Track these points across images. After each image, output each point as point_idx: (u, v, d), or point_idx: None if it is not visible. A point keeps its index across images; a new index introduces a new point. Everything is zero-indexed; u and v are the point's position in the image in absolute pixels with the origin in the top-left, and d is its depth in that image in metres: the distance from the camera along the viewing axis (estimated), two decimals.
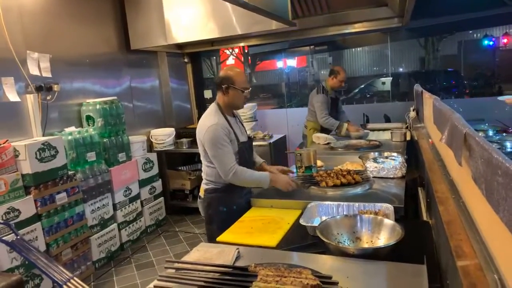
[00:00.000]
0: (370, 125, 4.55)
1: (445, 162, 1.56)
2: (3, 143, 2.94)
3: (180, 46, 5.42)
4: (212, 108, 2.35)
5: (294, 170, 2.59)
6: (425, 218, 1.96)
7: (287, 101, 7.33)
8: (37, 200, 3.04)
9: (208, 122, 2.24)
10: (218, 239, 1.68)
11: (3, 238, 1.04)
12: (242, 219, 1.92)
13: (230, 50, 8.00)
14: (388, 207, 1.69)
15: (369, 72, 10.57)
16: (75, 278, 0.93)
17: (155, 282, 1.21)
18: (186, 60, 5.84)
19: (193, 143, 5.01)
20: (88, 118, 3.90)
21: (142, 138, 4.51)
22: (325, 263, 1.32)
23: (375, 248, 1.38)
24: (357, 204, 1.79)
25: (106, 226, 3.80)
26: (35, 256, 1.02)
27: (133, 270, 3.63)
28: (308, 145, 4.49)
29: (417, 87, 3.52)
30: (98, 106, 3.85)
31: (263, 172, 2.31)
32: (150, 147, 4.93)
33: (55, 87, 3.56)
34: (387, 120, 4.79)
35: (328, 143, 3.63)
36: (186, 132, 5.20)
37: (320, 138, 3.77)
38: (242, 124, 2.52)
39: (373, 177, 2.30)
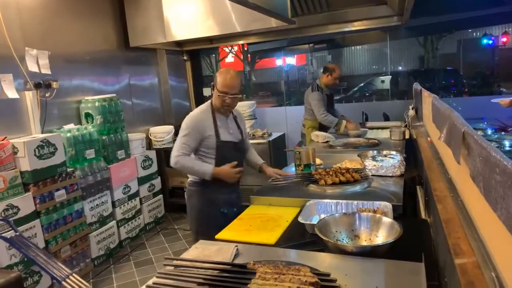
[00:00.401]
0: (369, 124, 4.55)
1: (443, 161, 1.57)
2: (2, 140, 2.94)
3: (179, 43, 5.42)
4: (206, 103, 2.48)
5: (293, 169, 2.59)
6: (423, 216, 1.96)
7: (286, 99, 7.33)
8: (36, 197, 3.04)
9: (191, 113, 2.43)
10: (216, 236, 1.68)
11: (2, 234, 1.04)
12: (241, 217, 1.92)
13: (230, 48, 8.00)
14: (386, 205, 1.70)
15: (369, 71, 10.57)
16: (74, 274, 0.93)
17: (154, 279, 1.22)
18: (185, 57, 5.83)
19: None
20: (87, 115, 3.90)
21: (141, 135, 4.51)
22: (323, 261, 1.32)
23: (374, 246, 1.38)
24: (355, 202, 1.79)
25: (105, 223, 3.80)
26: (34, 253, 1.02)
27: (132, 267, 3.64)
28: (307, 144, 4.50)
29: (416, 86, 3.52)
30: (97, 104, 3.84)
31: (208, 164, 2.37)
32: (149, 144, 4.93)
33: (54, 84, 3.55)
34: (386, 118, 4.79)
35: (327, 141, 3.63)
36: None
37: (319, 136, 3.77)
38: (239, 126, 2.54)
39: (371, 175, 2.31)
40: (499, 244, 0.75)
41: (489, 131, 2.55)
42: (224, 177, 2.34)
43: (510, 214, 0.61)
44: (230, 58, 8.85)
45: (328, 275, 1.11)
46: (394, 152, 2.63)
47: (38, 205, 3.06)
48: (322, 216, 1.71)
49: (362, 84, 8.86)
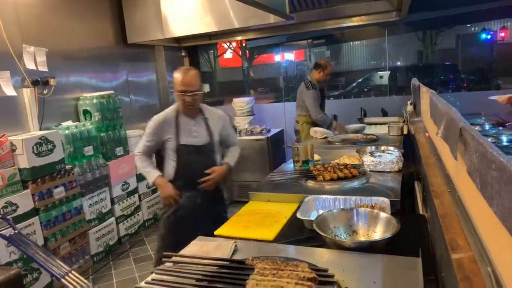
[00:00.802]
0: (367, 119, 4.56)
1: (441, 156, 1.57)
2: (0, 138, 2.93)
3: (177, 39, 5.40)
4: (173, 105, 2.48)
5: (292, 166, 2.60)
6: (421, 212, 1.97)
7: (285, 95, 7.32)
8: (35, 195, 3.04)
9: (156, 115, 2.46)
10: (215, 232, 1.69)
11: (1, 232, 1.04)
12: (239, 213, 1.93)
13: (228, 44, 7.97)
14: (384, 201, 1.70)
15: (367, 66, 10.57)
16: (73, 271, 0.94)
17: (153, 275, 1.22)
18: (183, 53, 5.81)
19: None
20: (85, 112, 3.89)
21: (140, 132, 4.50)
22: (321, 256, 1.33)
23: (371, 241, 1.39)
24: (353, 197, 1.80)
25: (104, 220, 3.80)
26: (33, 250, 1.02)
27: (131, 263, 3.65)
28: (302, 140, 4.51)
29: (415, 81, 3.52)
30: (95, 100, 3.83)
31: (156, 172, 2.39)
32: None
33: (52, 82, 3.54)
34: (384, 114, 4.80)
35: (325, 137, 3.64)
36: None
37: (317, 132, 3.78)
38: (209, 128, 2.44)
39: (370, 171, 2.31)
40: (495, 239, 0.76)
41: (487, 127, 2.55)
42: (161, 194, 2.39)
43: (505, 209, 0.62)
44: (228, 54, 8.82)
45: (326, 270, 1.12)
46: (392, 148, 2.63)
47: (37, 202, 3.06)
48: (320, 212, 1.72)
49: (360, 80, 8.85)
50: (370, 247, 1.33)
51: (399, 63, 8.70)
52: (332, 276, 1.09)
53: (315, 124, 4.35)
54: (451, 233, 0.99)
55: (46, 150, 3.13)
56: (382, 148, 2.71)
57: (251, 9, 3.48)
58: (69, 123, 3.69)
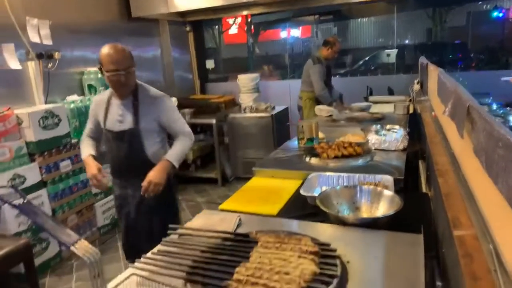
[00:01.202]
0: (372, 98, 4.52)
1: (447, 135, 1.57)
2: (6, 111, 2.95)
3: (182, 14, 5.30)
4: None
5: (296, 143, 2.60)
6: (424, 190, 1.98)
7: (290, 73, 7.24)
8: (42, 167, 3.09)
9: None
10: (220, 207, 1.71)
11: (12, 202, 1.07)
12: (243, 188, 1.95)
13: (233, 19, 7.82)
14: (388, 179, 1.71)
15: (374, 44, 10.37)
16: (82, 239, 0.96)
17: (159, 247, 1.25)
18: (188, 28, 5.72)
19: (195, 113, 5.00)
20: (90, 86, 3.88)
21: None
22: (324, 231, 1.35)
23: (374, 218, 1.41)
24: (357, 175, 1.81)
25: (109, 194, 3.85)
26: (42, 219, 1.05)
27: None
28: (304, 116, 4.49)
29: (422, 60, 3.47)
30: (99, 75, 3.81)
31: (88, 151, 2.23)
32: None
33: (56, 55, 3.52)
34: (391, 93, 4.75)
35: (330, 115, 3.62)
36: (188, 102, 5.18)
37: (322, 110, 3.76)
38: (137, 112, 2.17)
39: (374, 149, 2.31)
40: (498, 218, 0.76)
41: (495, 106, 2.53)
42: (87, 174, 2.19)
43: (510, 186, 0.62)
44: (233, 30, 8.67)
45: (329, 244, 1.14)
46: (397, 126, 2.62)
47: (44, 175, 3.10)
48: (324, 188, 1.73)
49: (367, 58, 8.71)
50: (373, 224, 1.34)
51: (407, 41, 8.54)
52: (334, 250, 1.11)
53: (318, 101, 4.34)
54: (454, 211, 1.00)
55: (52, 124, 3.15)
56: (388, 126, 2.70)
57: None
58: (74, 97, 3.69)
